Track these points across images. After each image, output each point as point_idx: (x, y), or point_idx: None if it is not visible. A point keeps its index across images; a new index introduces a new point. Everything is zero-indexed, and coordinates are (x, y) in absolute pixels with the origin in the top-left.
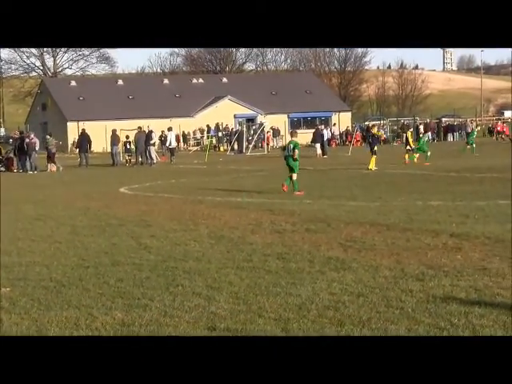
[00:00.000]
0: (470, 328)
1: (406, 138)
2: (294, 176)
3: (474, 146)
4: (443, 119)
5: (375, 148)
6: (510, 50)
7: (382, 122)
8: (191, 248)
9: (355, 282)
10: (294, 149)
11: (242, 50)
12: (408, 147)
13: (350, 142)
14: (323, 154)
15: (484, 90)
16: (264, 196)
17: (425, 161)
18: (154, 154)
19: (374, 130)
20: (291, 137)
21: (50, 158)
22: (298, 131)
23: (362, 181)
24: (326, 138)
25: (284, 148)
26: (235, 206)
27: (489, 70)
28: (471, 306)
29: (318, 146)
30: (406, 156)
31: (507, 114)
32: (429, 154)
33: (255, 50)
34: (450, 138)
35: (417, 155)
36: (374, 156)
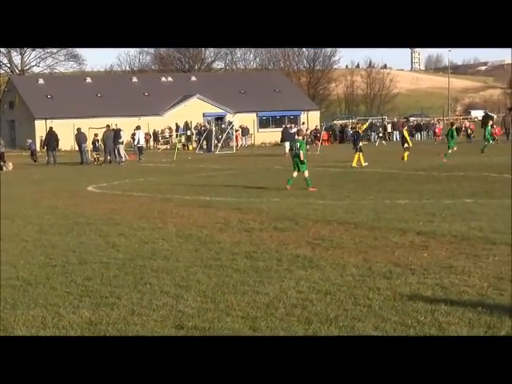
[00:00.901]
0: (436, 325)
1: (403, 137)
2: (306, 173)
3: (491, 142)
4: (411, 118)
5: (360, 144)
6: (476, 49)
7: (350, 120)
8: (159, 246)
9: (323, 280)
10: (299, 148)
11: (211, 48)
12: (406, 145)
13: (319, 140)
14: None
15: (451, 89)
16: (232, 195)
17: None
18: (122, 153)
19: (362, 128)
20: (297, 135)
21: (1, 158)
22: (267, 130)
23: (330, 179)
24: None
25: (291, 148)
26: (203, 204)
27: (456, 70)
28: (437, 304)
29: (286, 144)
30: (405, 155)
31: (474, 113)
32: (450, 151)
33: (224, 48)
34: (417, 136)
35: (443, 158)
36: (360, 153)
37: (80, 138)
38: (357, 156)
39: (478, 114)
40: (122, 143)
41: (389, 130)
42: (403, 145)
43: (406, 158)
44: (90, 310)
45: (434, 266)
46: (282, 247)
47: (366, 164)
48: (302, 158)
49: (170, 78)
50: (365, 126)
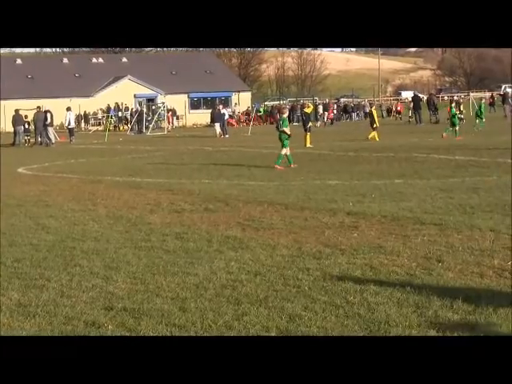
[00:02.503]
0: (365, 305)
1: (372, 115)
2: (283, 151)
3: (484, 120)
4: (342, 99)
5: (309, 125)
6: None
7: (281, 102)
8: (90, 228)
9: (253, 260)
10: (282, 125)
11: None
12: (374, 125)
13: (250, 121)
14: (224, 133)
15: (382, 70)
16: (163, 176)
17: (455, 136)
18: (51, 135)
19: (308, 109)
20: (281, 113)
21: None
22: (198, 111)
23: (261, 160)
24: (226, 118)
25: (277, 126)
26: (134, 185)
27: (386, 51)
28: (366, 284)
29: (217, 125)
30: (375, 134)
31: (404, 94)
32: (457, 128)
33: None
34: (349, 118)
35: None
36: (308, 133)
37: (16, 119)
38: (308, 136)
39: (408, 94)
40: (51, 125)
41: (320, 111)
42: (372, 125)
43: (377, 138)
44: (19, 292)
45: (364, 247)
46: (212, 228)
47: (311, 146)
48: (288, 133)
49: (100, 59)
50: (311, 108)
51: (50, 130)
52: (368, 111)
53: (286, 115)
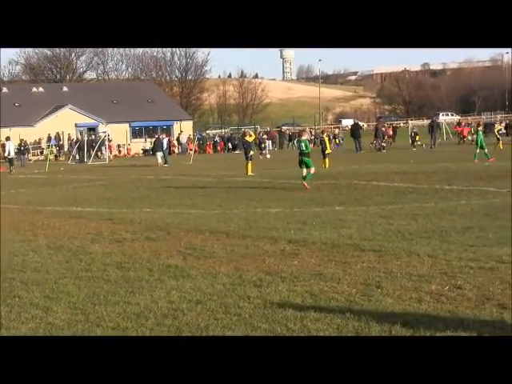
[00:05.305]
0: (305, 332)
1: (323, 142)
2: (312, 170)
3: (486, 150)
4: (283, 127)
5: (251, 153)
6: (346, 59)
7: (222, 130)
8: (29, 258)
9: (194, 289)
10: (306, 146)
11: (83, 58)
12: (326, 152)
13: (192, 150)
14: (164, 162)
15: (323, 98)
16: (104, 205)
17: (487, 158)
18: None
19: (250, 138)
20: (301, 136)
21: None
22: (140, 140)
23: (202, 189)
24: (165, 147)
25: (299, 147)
26: (75, 215)
27: (327, 79)
28: (307, 311)
29: (158, 154)
30: (327, 161)
31: (345, 122)
32: (486, 150)
33: (96, 58)
34: (289, 146)
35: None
36: (250, 162)
37: None
38: (250, 165)
39: (348, 122)
40: None
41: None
42: (324, 152)
43: (327, 165)
44: None
45: (304, 274)
46: (153, 257)
47: (253, 174)
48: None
49: (41, 89)
50: (253, 137)
51: None
52: (320, 138)
53: (304, 137)
